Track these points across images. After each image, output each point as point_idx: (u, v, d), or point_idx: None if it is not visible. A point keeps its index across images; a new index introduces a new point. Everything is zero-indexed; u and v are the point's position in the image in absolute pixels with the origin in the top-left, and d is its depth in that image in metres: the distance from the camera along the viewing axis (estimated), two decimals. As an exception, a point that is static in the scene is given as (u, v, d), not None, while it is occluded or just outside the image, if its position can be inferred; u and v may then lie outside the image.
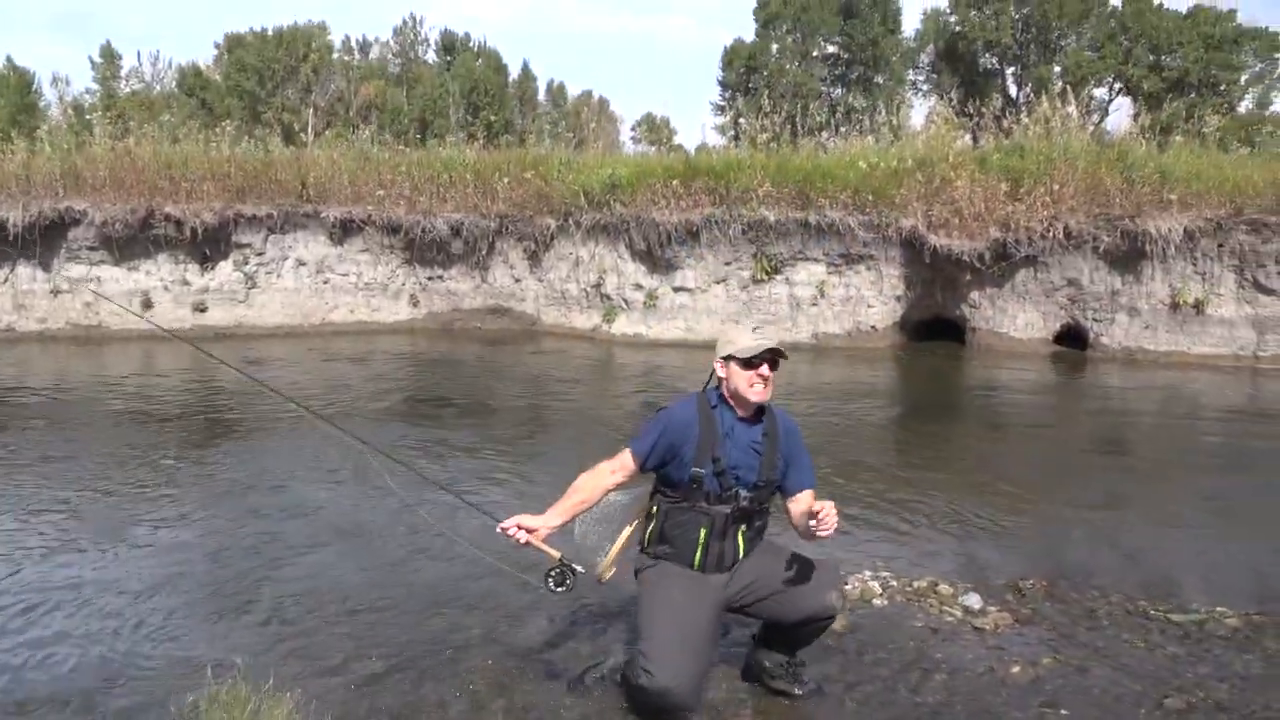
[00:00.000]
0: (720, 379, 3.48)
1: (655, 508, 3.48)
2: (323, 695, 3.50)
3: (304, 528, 5.47)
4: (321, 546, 5.19)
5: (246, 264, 13.21)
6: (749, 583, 3.43)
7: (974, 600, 4.44)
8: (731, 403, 3.44)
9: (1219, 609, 4.37)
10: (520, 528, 3.42)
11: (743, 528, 3.42)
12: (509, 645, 3.97)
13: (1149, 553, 5.19)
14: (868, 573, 4.75)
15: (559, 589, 3.45)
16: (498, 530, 3.47)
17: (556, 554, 3.46)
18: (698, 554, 3.38)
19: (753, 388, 3.37)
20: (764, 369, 3.37)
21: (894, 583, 4.66)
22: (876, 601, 4.46)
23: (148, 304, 12.81)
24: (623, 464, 3.46)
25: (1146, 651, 3.97)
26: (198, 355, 11.50)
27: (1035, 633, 4.16)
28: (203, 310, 12.98)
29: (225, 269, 13.16)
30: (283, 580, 4.69)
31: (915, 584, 4.65)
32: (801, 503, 3.50)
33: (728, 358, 3.42)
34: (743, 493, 3.38)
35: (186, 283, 12.99)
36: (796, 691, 3.54)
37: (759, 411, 3.45)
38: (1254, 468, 7.16)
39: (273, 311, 13.33)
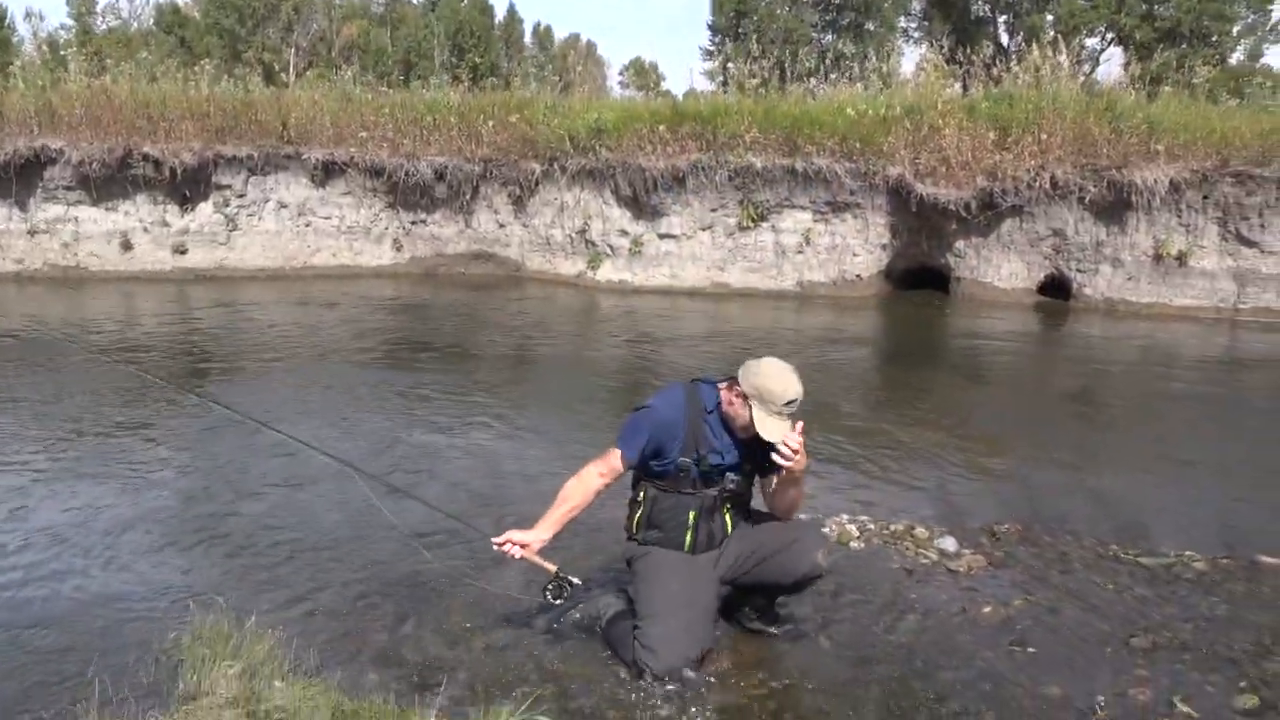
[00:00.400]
0: (732, 403, 3.31)
1: (642, 494, 3.48)
2: (304, 632, 3.55)
3: (285, 467, 5.49)
4: (302, 487, 5.21)
5: (227, 205, 13.04)
6: (738, 555, 3.46)
7: (949, 543, 4.52)
8: (734, 426, 3.34)
9: (1187, 553, 4.46)
10: (513, 543, 3.42)
11: (729, 505, 3.46)
12: (491, 587, 4.01)
13: (1122, 499, 5.28)
14: (845, 516, 4.81)
15: (557, 601, 3.48)
16: (493, 547, 3.46)
17: (553, 567, 3.47)
18: (688, 536, 3.40)
19: (750, 428, 3.25)
20: (797, 431, 3.23)
21: (871, 526, 4.72)
22: (854, 544, 4.52)
23: (127, 245, 12.68)
24: (610, 467, 3.42)
25: (1115, 593, 4.05)
26: (181, 296, 11.48)
27: (1008, 575, 4.23)
28: (183, 252, 12.84)
29: (205, 210, 12.99)
30: (264, 520, 4.72)
31: (892, 527, 4.72)
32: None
33: (748, 394, 3.24)
34: (731, 476, 3.40)
35: (166, 224, 12.83)
36: (773, 631, 3.61)
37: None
38: (1228, 418, 7.25)
39: (254, 254, 13.20)
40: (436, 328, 10.16)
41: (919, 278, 12.64)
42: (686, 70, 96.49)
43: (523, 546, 3.42)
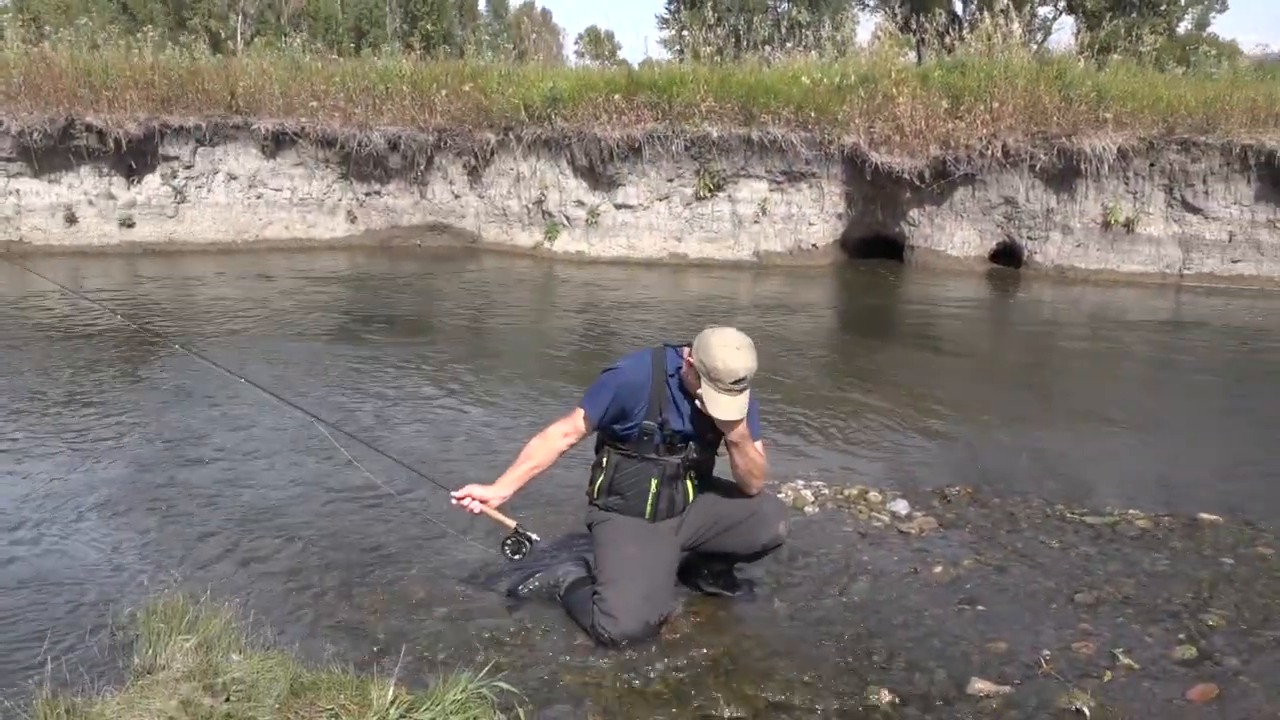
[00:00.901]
0: (688, 364, 3.31)
1: (605, 459, 3.47)
2: (262, 604, 3.53)
3: (241, 440, 5.44)
4: (257, 458, 5.16)
5: (175, 177, 12.75)
6: (700, 524, 3.49)
7: (901, 506, 4.60)
8: (690, 394, 3.34)
9: (1131, 511, 4.59)
10: (473, 498, 3.42)
11: (692, 473, 3.47)
12: (448, 556, 4.03)
13: (1069, 460, 5.41)
14: (800, 481, 4.88)
15: (516, 556, 3.48)
16: (452, 501, 3.46)
17: (512, 523, 3.48)
18: (649, 504, 3.41)
19: (709, 408, 3.23)
20: (740, 400, 3.23)
21: (825, 491, 4.80)
22: (808, 509, 4.59)
23: (71, 219, 12.35)
24: (575, 427, 3.43)
25: (1061, 551, 4.17)
26: (130, 271, 11.25)
27: (958, 536, 4.33)
28: (130, 225, 12.54)
29: (152, 182, 12.69)
30: (219, 492, 4.67)
31: (846, 492, 4.80)
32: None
33: (698, 364, 3.22)
34: (693, 444, 3.41)
35: (112, 196, 12.52)
36: (729, 594, 3.66)
37: None
38: (1172, 381, 7.44)
39: (204, 227, 12.94)
40: (392, 300, 10.07)
41: (874, 247, 12.75)
42: (643, 39, 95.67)
43: (482, 502, 3.43)
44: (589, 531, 3.58)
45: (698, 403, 3.28)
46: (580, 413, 3.41)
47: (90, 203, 12.45)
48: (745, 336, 3.26)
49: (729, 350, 3.18)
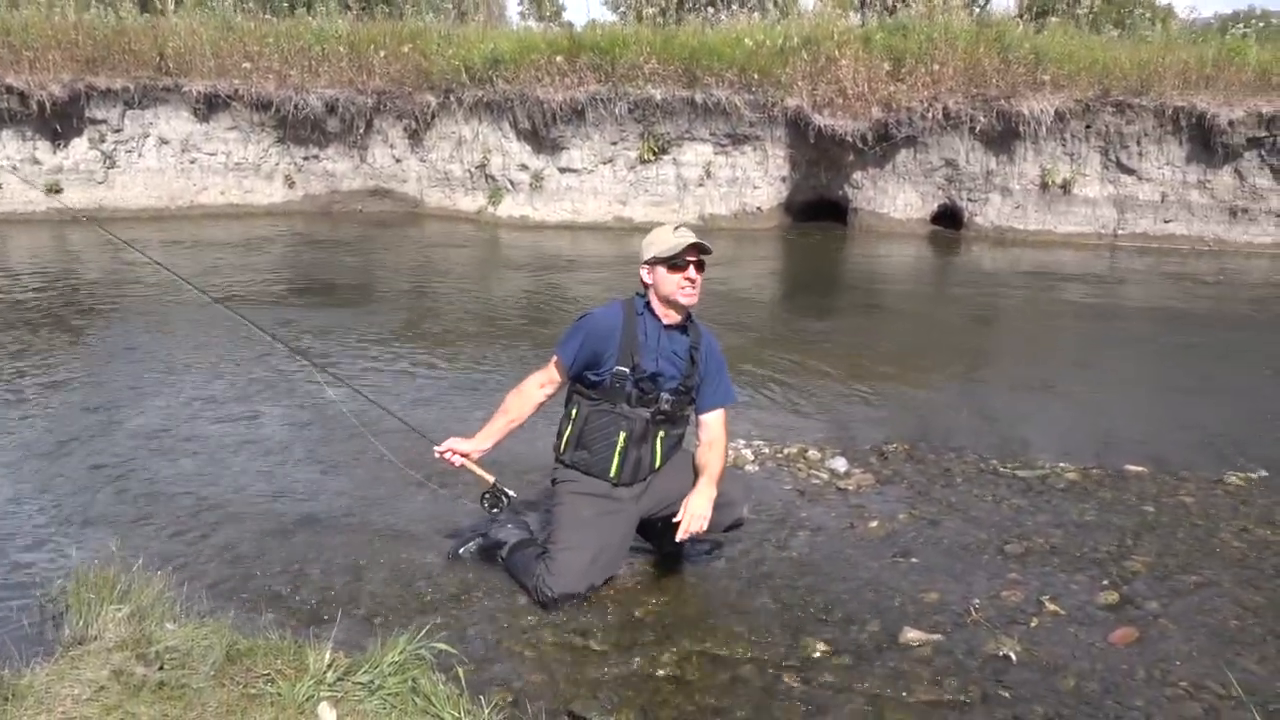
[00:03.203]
0: (647, 285, 3.38)
1: (574, 410, 3.42)
2: (197, 573, 3.50)
3: (173, 406, 5.33)
4: (194, 425, 5.07)
5: (103, 141, 12.38)
6: (662, 498, 3.43)
7: (840, 464, 4.68)
8: (659, 310, 3.37)
9: (1061, 464, 4.72)
10: (455, 452, 3.45)
11: (661, 434, 3.39)
12: (389, 519, 4.02)
13: (1004, 417, 5.53)
14: (740, 441, 4.92)
15: (494, 511, 3.50)
16: (435, 453, 3.49)
17: (490, 478, 3.50)
18: (615, 460, 3.33)
19: (681, 290, 3.30)
20: (690, 271, 3.29)
21: (766, 450, 4.85)
22: (749, 468, 4.65)
23: (-5, 185, 11.95)
24: (550, 376, 3.43)
25: (993, 504, 4.27)
26: (58, 239, 10.92)
27: (895, 491, 4.42)
28: (57, 191, 12.15)
29: (80, 147, 12.31)
30: (153, 461, 4.59)
31: (786, 450, 4.86)
32: (713, 425, 3.48)
33: (652, 261, 3.32)
34: (664, 395, 3.35)
35: (37, 161, 12.13)
36: (666, 547, 3.66)
37: (686, 319, 3.41)
38: (1104, 338, 7.63)
39: (135, 193, 12.60)
40: (332, 267, 9.91)
41: (818, 209, 12.84)
42: (586, 0, 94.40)
43: (464, 456, 3.46)
44: (552, 487, 3.54)
45: (672, 296, 3.31)
46: (555, 359, 3.42)
47: (14, 168, 12.02)
48: None
49: (666, 232, 3.37)
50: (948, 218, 12.34)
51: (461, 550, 3.67)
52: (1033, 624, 3.26)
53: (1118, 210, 11.63)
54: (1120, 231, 11.62)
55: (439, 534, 3.87)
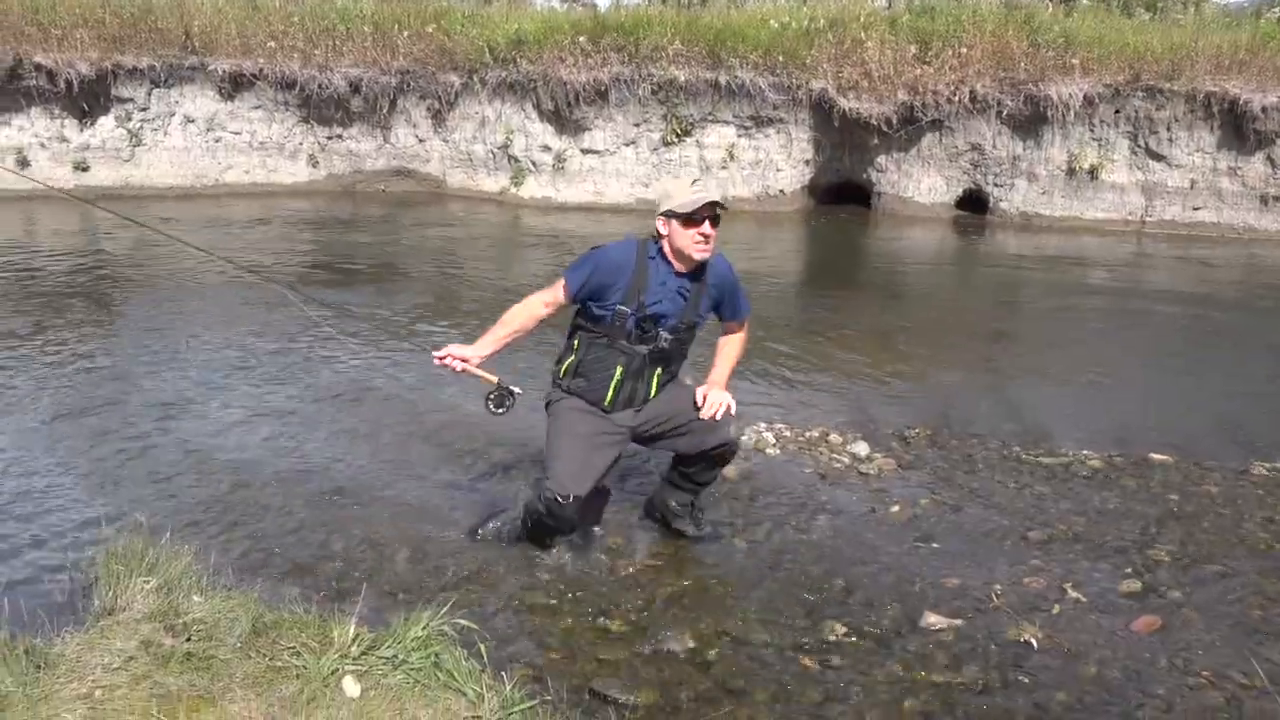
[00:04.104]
0: (662, 235, 3.38)
1: (576, 342, 3.46)
2: (224, 546, 3.54)
3: (202, 383, 5.38)
4: (217, 400, 5.12)
5: (130, 120, 12.44)
6: (654, 416, 3.49)
7: (861, 448, 4.67)
8: (672, 259, 3.38)
9: (1084, 452, 4.69)
10: (454, 357, 3.49)
11: (658, 370, 3.43)
12: (409, 499, 4.05)
13: (1027, 403, 5.50)
14: (762, 424, 4.92)
15: (499, 410, 3.54)
16: (435, 361, 3.53)
17: (494, 378, 3.54)
18: (610, 391, 3.38)
19: (696, 245, 3.31)
20: (705, 226, 3.28)
21: (787, 433, 4.85)
22: (770, 451, 4.64)
23: (23, 162, 12.02)
24: (554, 296, 3.47)
25: (1016, 491, 4.25)
26: (86, 216, 11.01)
27: (916, 476, 4.40)
28: (84, 169, 12.25)
29: (107, 125, 12.38)
30: (180, 435, 4.64)
31: (807, 434, 4.85)
32: (734, 329, 3.65)
33: (668, 214, 3.32)
34: (663, 334, 3.37)
35: (65, 139, 12.21)
36: (691, 531, 3.70)
37: (699, 268, 3.41)
38: (1130, 326, 7.56)
39: (161, 171, 12.67)
40: (354, 246, 9.94)
41: (842, 193, 12.75)
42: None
43: (464, 360, 3.49)
44: (546, 410, 3.56)
45: (686, 249, 3.31)
46: (561, 282, 3.45)
47: (42, 145, 12.14)
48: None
49: (683, 185, 3.37)
50: (973, 203, 12.23)
51: (481, 529, 3.70)
52: (1054, 610, 3.25)
53: (1146, 197, 11.48)
54: (1148, 218, 11.47)
55: (461, 510, 3.91)
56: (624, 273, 3.34)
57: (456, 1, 14.23)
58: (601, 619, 3.16)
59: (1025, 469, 4.51)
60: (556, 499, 3.29)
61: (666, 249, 3.38)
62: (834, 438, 4.80)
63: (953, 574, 3.48)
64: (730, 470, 4.33)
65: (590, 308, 3.40)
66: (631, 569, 3.48)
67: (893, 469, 4.47)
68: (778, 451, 4.64)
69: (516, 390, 3.53)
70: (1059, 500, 4.16)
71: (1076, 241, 10.92)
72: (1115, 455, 4.66)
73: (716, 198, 3.30)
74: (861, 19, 11.91)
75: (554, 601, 3.26)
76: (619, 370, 3.37)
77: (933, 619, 3.18)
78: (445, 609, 2.84)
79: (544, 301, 3.48)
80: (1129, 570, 3.54)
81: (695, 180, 3.39)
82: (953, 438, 4.90)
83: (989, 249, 10.81)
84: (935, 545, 3.72)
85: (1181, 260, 10.15)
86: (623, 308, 3.33)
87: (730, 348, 3.65)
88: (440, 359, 3.52)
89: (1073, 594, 3.36)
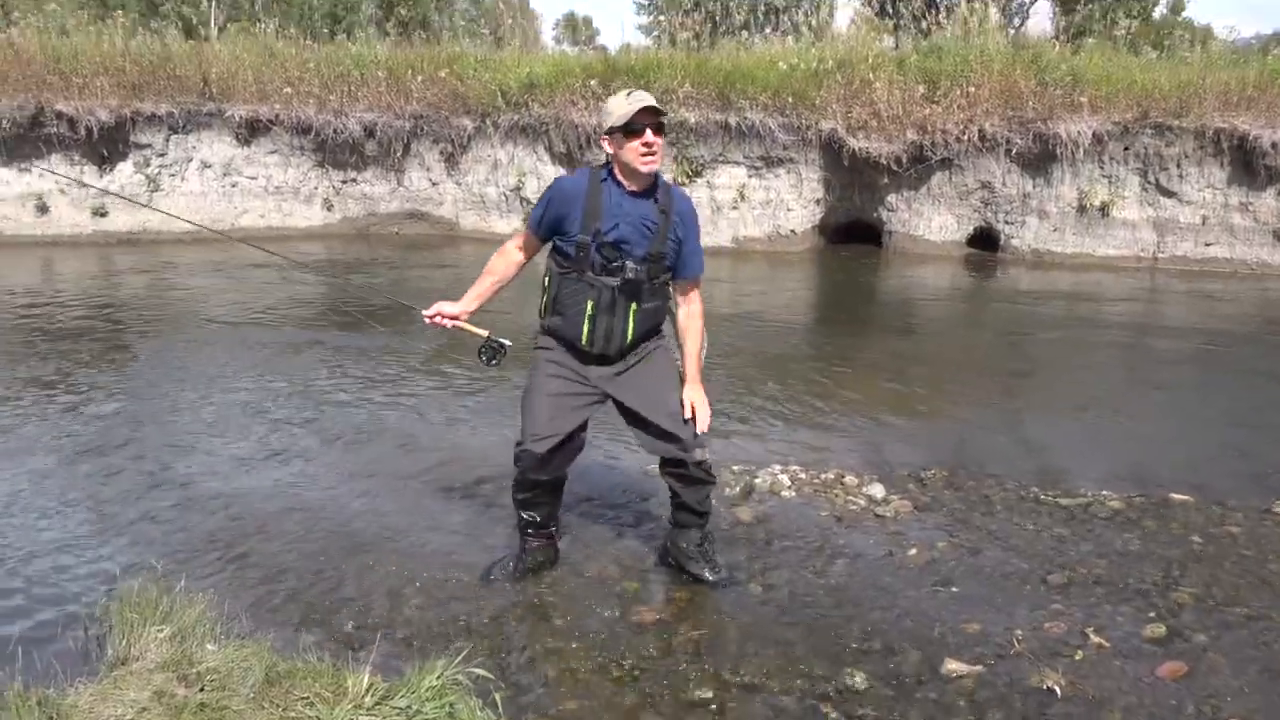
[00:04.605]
0: (610, 155, 3.36)
1: (548, 279, 3.48)
2: (238, 594, 3.53)
3: (214, 429, 5.40)
4: (230, 442, 5.13)
5: (148, 166, 12.61)
6: (629, 391, 3.49)
7: (877, 490, 4.63)
8: (622, 178, 3.34)
9: (1104, 493, 4.64)
10: (443, 315, 3.58)
11: (633, 305, 3.37)
12: (423, 543, 4.03)
13: (1044, 442, 5.45)
14: (777, 467, 4.89)
15: (492, 362, 3.65)
16: (425, 320, 3.61)
17: (484, 332, 3.63)
18: (585, 326, 3.37)
19: (641, 157, 3.25)
20: (648, 135, 3.22)
21: (802, 475, 4.82)
22: (785, 494, 4.61)
23: (43, 208, 12.21)
24: (524, 238, 3.54)
25: (1035, 533, 4.21)
26: (104, 260, 11.13)
27: (933, 519, 4.36)
28: (103, 215, 12.41)
29: (125, 171, 12.54)
30: (194, 479, 4.64)
31: (822, 476, 4.82)
32: (689, 294, 3.56)
33: (610, 131, 3.29)
34: (629, 264, 3.32)
35: (84, 185, 12.36)
36: (708, 576, 3.66)
37: (653, 187, 3.38)
38: (1145, 364, 7.52)
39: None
40: (370, 288, 10.00)
41: (853, 232, 12.79)
42: (620, 24, 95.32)
43: (452, 317, 3.60)
44: (533, 353, 3.61)
45: (633, 163, 3.27)
46: (526, 223, 3.56)
47: (62, 191, 12.28)
48: None
49: (620, 99, 3.31)
50: (984, 240, 12.25)
51: (496, 571, 3.69)
52: (1077, 656, 3.20)
53: (1157, 233, 11.48)
54: (1160, 254, 11.46)
55: (474, 554, 3.89)
56: (578, 199, 3.34)
57: (469, 46, 14.46)
58: (618, 667, 3.13)
59: (1043, 510, 4.46)
60: (526, 453, 3.43)
61: (617, 171, 3.36)
62: (849, 479, 4.77)
63: (973, 619, 3.44)
64: (745, 513, 4.33)
65: (557, 243, 3.42)
66: (648, 615, 3.44)
67: (909, 511, 4.43)
68: (793, 494, 4.61)
69: (507, 343, 3.64)
70: (1079, 542, 4.11)
71: (1089, 278, 10.91)
72: (1135, 495, 4.61)
73: (652, 102, 3.25)
74: (869, 60, 12.02)
75: (570, 648, 3.23)
76: (589, 305, 3.36)
77: (954, 666, 3.13)
78: (460, 657, 2.82)
79: (516, 246, 3.57)
80: (1152, 614, 3.48)
81: (630, 92, 3.31)
82: (969, 478, 4.86)
83: (1001, 286, 10.80)
84: (954, 589, 3.68)
85: (1195, 296, 10.12)
86: (583, 237, 3.32)
87: (693, 333, 3.58)
88: (430, 318, 3.61)
89: (1095, 639, 3.31)
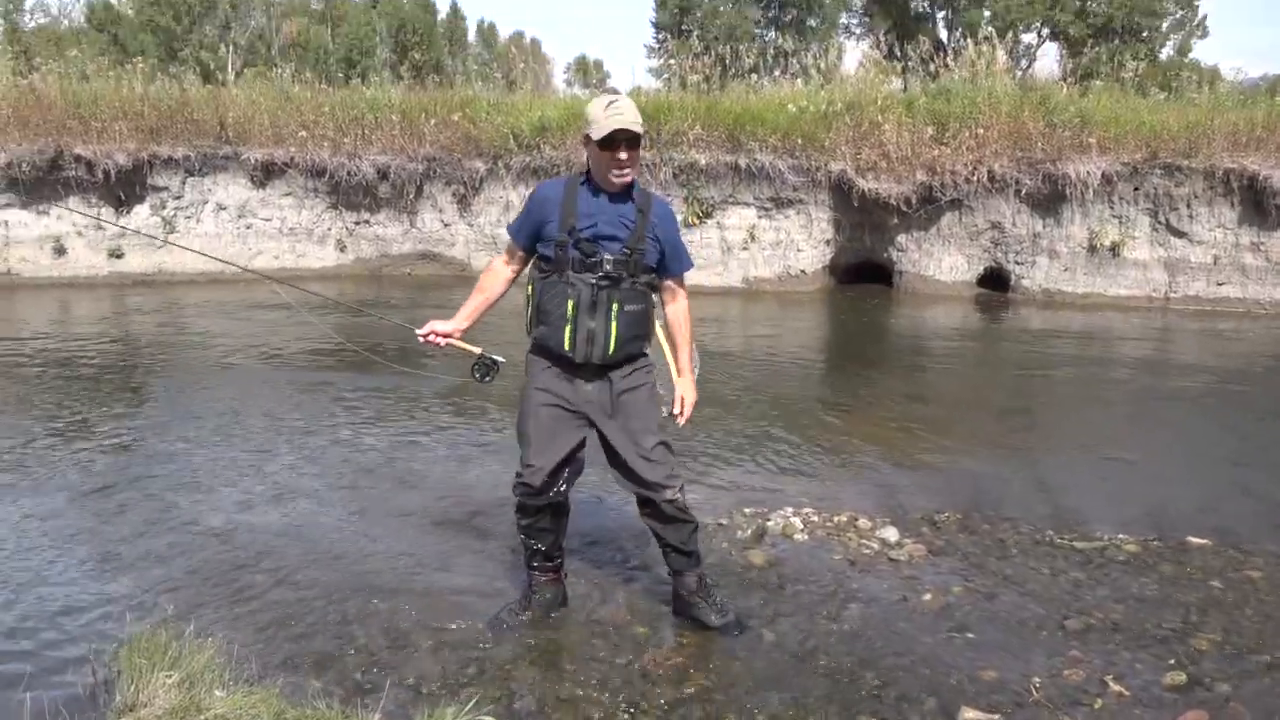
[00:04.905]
0: (588, 158, 3.40)
1: (531, 287, 3.49)
2: (246, 639, 3.50)
3: (223, 474, 5.40)
4: (241, 491, 5.13)
5: (164, 208, 12.76)
6: (626, 417, 3.47)
7: (891, 533, 4.59)
8: (598, 181, 3.37)
9: (1120, 536, 4.59)
10: (436, 333, 3.61)
11: (614, 305, 3.35)
12: (433, 586, 4.00)
13: (1058, 485, 5.41)
14: (789, 509, 4.86)
15: (485, 379, 3.68)
16: (419, 339, 3.63)
17: (477, 349, 3.66)
18: (566, 330, 3.35)
19: (612, 171, 3.28)
20: (621, 153, 3.24)
21: (815, 519, 4.78)
22: (798, 537, 4.58)
23: (60, 250, 12.36)
24: (509, 250, 3.57)
25: (1051, 577, 4.16)
26: (119, 302, 11.22)
27: (948, 563, 4.32)
28: (119, 256, 12.54)
29: (141, 213, 12.70)
30: (205, 524, 4.63)
31: (835, 519, 4.78)
32: (676, 292, 3.62)
33: (587, 138, 3.31)
34: (606, 256, 3.32)
35: (101, 227, 12.51)
36: (714, 621, 3.62)
37: (629, 190, 3.39)
38: (1159, 405, 7.47)
39: (192, 258, 12.87)
40: (378, 330, 10.03)
41: (863, 272, 12.82)
42: (631, 68, 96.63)
43: (445, 335, 3.62)
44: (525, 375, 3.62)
45: (607, 167, 3.28)
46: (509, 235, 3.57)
47: (79, 234, 12.44)
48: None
49: (597, 99, 3.36)
50: (994, 280, 12.25)
51: (505, 615, 3.66)
52: (1096, 705, 3.14)
53: (1169, 273, 11.47)
54: (1172, 294, 11.44)
55: (484, 596, 3.86)
56: (555, 202, 3.38)
57: (482, 90, 14.65)
58: (629, 715, 3.09)
59: (1059, 554, 4.42)
60: (523, 481, 3.48)
61: (591, 166, 3.39)
62: (863, 522, 4.73)
63: (989, 666, 3.39)
64: (758, 557, 4.30)
65: (539, 250, 3.44)
66: (658, 661, 3.40)
67: (923, 555, 4.39)
68: (806, 537, 4.57)
69: (500, 359, 3.66)
70: (1096, 587, 4.06)
71: (1100, 318, 10.88)
72: (1152, 539, 4.55)
73: (628, 124, 3.23)
74: (878, 102, 12.13)
75: (581, 694, 3.19)
76: (570, 306, 3.34)
77: (970, 714, 3.08)
78: (470, 705, 2.79)
79: (504, 260, 3.61)
80: (1172, 661, 3.43)
81: (612, 102, 3.27)
82: (983, 521, 4.82)
83: (1012, 326, 10.78)
84: (970, 635, 3.63)
85: (1207, 335, 10.07)
86: (562, 236, 3.34)
87: (682, 329, 3.66)
88: (424, 337, 3.63)
89: (1115, 687, 3.26)
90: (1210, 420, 7.01)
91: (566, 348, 3.38)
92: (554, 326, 3.39)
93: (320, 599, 3.86)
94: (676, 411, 3.61)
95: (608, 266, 3.33)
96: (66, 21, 41.64)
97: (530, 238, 3.45)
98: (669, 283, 3.59)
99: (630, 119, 3.22)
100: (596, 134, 3.24)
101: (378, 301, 11.65)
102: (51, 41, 30.97)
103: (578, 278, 3.33)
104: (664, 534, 3.60)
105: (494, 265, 3.65)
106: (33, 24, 40.97)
